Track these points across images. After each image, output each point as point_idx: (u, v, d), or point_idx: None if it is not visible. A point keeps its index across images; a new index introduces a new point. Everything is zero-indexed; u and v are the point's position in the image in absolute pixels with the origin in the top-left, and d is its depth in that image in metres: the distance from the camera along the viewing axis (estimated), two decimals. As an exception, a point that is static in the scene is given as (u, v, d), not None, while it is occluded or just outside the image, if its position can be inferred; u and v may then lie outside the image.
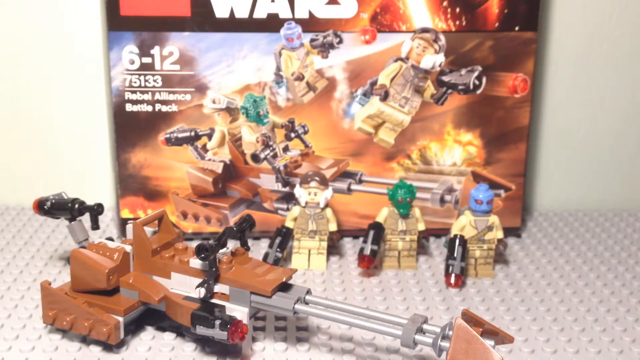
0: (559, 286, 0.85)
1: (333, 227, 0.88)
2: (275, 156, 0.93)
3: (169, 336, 0.72)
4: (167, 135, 0.92)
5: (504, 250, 0.92)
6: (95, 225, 0.81)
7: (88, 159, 1.06)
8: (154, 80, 0.90)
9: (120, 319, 0.68)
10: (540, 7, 0.91)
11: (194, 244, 0.69)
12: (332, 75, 0.91)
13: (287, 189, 0.94)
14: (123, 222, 0.93)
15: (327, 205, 0.88)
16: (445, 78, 0.92)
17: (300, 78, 0.91)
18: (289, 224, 0.88)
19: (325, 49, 0.90)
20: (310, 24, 0.89)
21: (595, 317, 0.77)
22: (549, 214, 1.08)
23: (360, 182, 0.95)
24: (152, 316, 0.73)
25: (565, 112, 1.08)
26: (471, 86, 0.92)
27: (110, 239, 0.76)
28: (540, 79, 1.06)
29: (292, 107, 0.92)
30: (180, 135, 0.92)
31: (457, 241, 0.85)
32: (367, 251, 0.85)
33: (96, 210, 0.80)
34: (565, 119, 1.08)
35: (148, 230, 0.72)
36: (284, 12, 0.88)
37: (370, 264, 0.85)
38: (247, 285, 0.67)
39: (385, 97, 0.92)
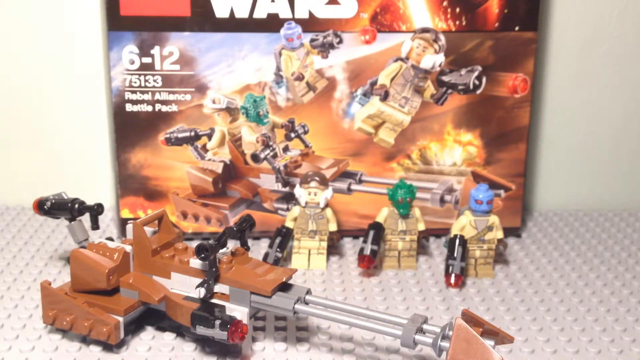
0: (559, 286, 0.85)
1: (333, 227, 0.88)
2: (275, 156, 0.93)
3: (169, 336, 0.72)
4: (167, 135, 0.92)
5: (504, 250, 0.92)
6: (95, 225, 0.81)
7: (88, 159, 1.06)
8: (154, 80, 0.90)
9: (120, 319, 0.68)
10: (540, 7, 0.91)
11: (194, 244, 0.69)
12: (332, 75, 0.91)
13: (287, 189, 0.94)
14: (123, 222, 0.93)
15: (327, 205, 0.88)
16: (445, 78, 0.92)
17: (300, 78, 0.91)
18: (289, 224, 0.88)
19: (325, 49, 0.90)
20: (310, 24, 0.89)
21: (595, 317, 0.77)
22: (549, 214, 1.08)
23: (360, 182, 0.95)
24: (152, 316, 0.73)
25: (565, 112, 1.08)
26: (471, 86, 0.92)
27: (110, 239, 0.76)
28: (540, 79, 1.06)
29: (292, 107, 0.92)
30: (180, 135, 0.92)
31: (457, 241, 0.85)
32: (367, 251, 0.85)
33: (96, 210, 0.80)
34: (565, 119, 1.08)
35: (148, 230, 0.72)
36: (284, 12, 0.88)
37: (370, 264, 0.85)
38: (247, 285, 0.67)
39: (385, 97, 0.92)
